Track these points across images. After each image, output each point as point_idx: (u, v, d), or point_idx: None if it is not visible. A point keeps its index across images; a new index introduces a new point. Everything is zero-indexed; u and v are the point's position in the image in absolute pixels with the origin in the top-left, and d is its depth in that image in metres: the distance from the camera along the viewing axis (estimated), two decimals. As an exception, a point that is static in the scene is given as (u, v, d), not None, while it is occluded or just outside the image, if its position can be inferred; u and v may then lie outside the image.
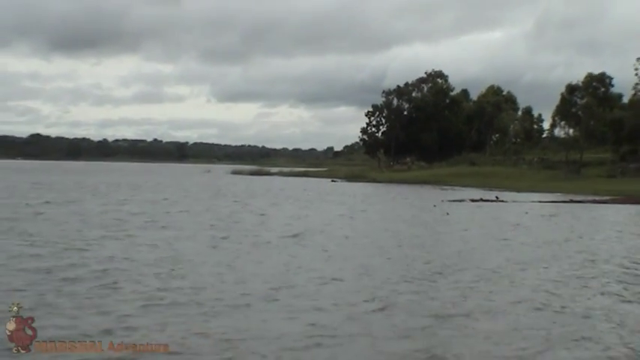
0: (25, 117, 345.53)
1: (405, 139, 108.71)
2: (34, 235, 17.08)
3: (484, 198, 43.16)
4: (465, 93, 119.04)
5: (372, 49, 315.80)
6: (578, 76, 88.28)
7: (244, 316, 9.25)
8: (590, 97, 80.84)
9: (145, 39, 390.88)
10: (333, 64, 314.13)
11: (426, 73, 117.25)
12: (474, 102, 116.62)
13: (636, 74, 78.16)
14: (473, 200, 41.26)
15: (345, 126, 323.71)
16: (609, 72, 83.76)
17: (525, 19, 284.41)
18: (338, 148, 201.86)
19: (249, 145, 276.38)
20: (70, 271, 12.12)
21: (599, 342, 8.53)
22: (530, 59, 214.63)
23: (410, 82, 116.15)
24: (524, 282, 12.59)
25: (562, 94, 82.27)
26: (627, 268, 14.71)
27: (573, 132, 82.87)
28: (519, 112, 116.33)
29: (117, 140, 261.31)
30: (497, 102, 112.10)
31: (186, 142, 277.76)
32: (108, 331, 8.10)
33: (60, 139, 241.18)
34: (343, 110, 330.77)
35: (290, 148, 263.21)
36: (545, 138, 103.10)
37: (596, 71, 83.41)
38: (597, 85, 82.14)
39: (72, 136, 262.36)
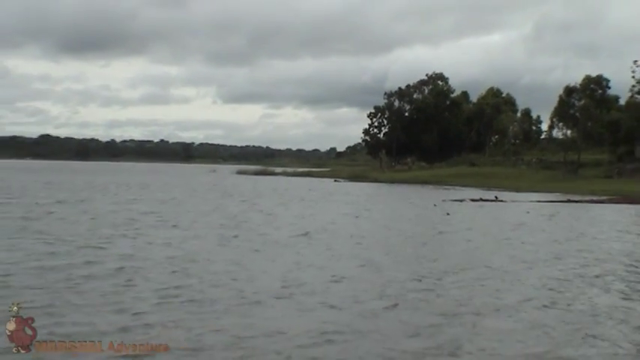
0: (35, 118, 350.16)
1: (406, 139, 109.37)
2: (48, 234, 17.22)
3: (484, 198, 43.39)
4: (465, 95, 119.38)
5: (374, 52, 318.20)
6: (576, 79, 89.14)
7: (257, 314, 9.33)
8: (587, 99, 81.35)
9: (153, 41, 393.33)
10: (336, 66, 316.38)
11: (426, 75, 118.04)
12: (474, 104, 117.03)
13: (633, 76, 78.49)
14: (473, 200, 41.52)
15: (348, 127, 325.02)
16: (606, 74, 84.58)
17: (524, 23, 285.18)
18: (341, 148, 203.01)
19: (253, 146, 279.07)
20: (85, 269, 12.27)
21: (605, 339, 8.60)
22: (529, 62, 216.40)
23: (411, 84, 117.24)
24: (530, 280, 12.68)
25: (560, 96, 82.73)
26: (630, 267, 14.86)
27: (571, 133, 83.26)
28: (518, 114, 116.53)
29: (124, 141, 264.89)
30: (497, 104, 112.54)
31: (192, 143, 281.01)
32: (124, 329, 8.18)
33: (69, 140, 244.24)
34: (346, 112, 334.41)
35: (294, 148, 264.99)
36: (543, 139, 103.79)
37: (594, 74, 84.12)
38: (595, 87, 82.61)
39: (80, 137, 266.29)
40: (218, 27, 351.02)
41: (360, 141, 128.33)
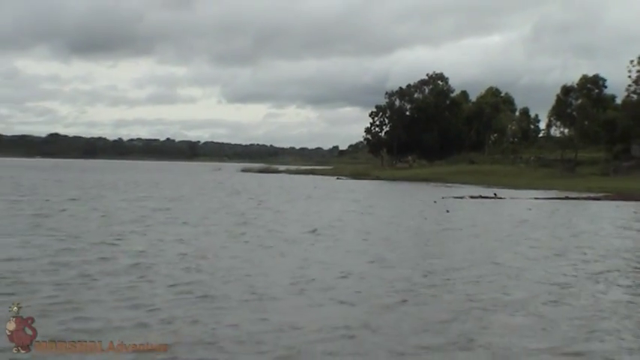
0: (44, 117, 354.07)
1: (407, 138, 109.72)
2: (61, 231, 17.29)
3: (483, 195, 43.56)
4: (464, 94, 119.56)
5: (375, 53, 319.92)
6: (573, 79, 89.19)
7: (269, 309, 9.42)
8: (584, 99, 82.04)
9: (159, 43, 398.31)
10: (338, 66, 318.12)
11: (427, 75, 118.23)
12: (474, 103, 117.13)
13: (629, 76, 79.45)
14: (472, 197, 41.70)
15: (350, 126, 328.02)
16: (603, 74, 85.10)
17: (523, 24, 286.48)
18: (343, 147, 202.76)
19: (258, 145, 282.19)
20: (99, 265, 12.34)
21: (612, 334, 8.68)
22: (528, 62, 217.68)
23: (412, 84, 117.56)
24: (535, 277, 12.77)
25: (557, 96, 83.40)
26: (632, 263, 14.99)
27: (568, 132, 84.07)
28: (517, 113, 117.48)
29: (131, 140, 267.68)
30: (496, 103, 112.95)
31: (198, 142, 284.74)
32: (141, 325, 8.27)
33: (77, 139, 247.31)
34: (348, 111, 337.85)
35: (297, 147, 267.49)
36: (541, 137, 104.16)
37: (591, 73, 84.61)
38: (591, 86, 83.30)
39: (88, 136, 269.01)
40: (223, 28, 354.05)
41: (362, 139, 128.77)
